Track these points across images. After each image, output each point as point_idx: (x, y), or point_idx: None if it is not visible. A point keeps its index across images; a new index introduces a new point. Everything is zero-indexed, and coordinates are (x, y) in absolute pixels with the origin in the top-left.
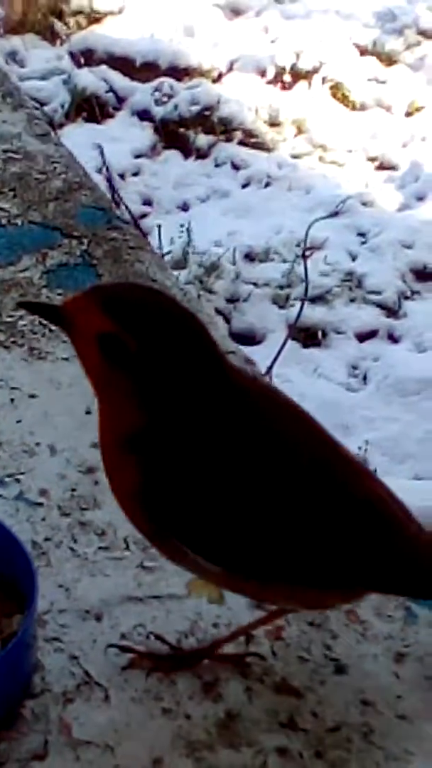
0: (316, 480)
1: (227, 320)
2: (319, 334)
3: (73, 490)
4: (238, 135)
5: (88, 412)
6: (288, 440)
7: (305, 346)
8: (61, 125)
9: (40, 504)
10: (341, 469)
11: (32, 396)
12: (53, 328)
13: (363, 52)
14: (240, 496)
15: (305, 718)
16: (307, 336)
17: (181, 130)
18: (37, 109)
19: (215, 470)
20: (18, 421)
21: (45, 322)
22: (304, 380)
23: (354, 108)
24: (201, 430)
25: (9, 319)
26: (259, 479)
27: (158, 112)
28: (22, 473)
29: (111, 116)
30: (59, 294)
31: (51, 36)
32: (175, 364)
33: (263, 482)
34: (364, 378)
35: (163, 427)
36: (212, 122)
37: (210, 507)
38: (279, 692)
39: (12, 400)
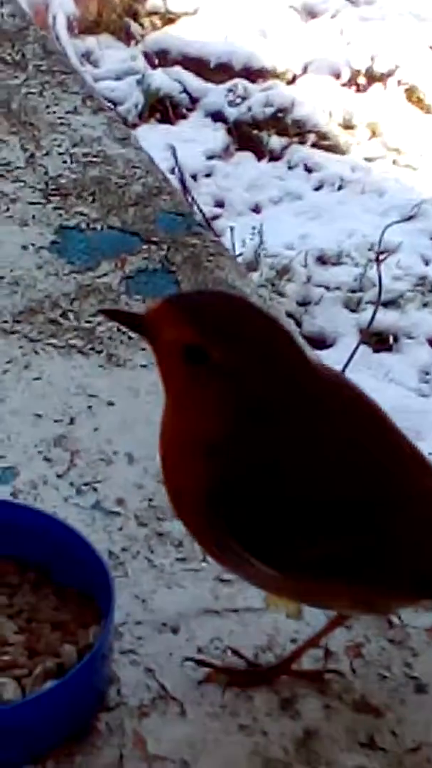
0: (388, 490)
1: (298, 324)
2: (391, 338)
3: (150, 499)
4: (312, 137)
5: None
6: (365, 447)
7: (376, 350)
8: (134, 125)
9: (117, 513)
10: (414, 478)
11: (110, 404)
12: (132, 335)
13: None
14: (313, 503)
15: (384, 737)
16: (378, 341)
17: (254, 131)
18: (110, 109)
19: (292, 476)
20: (95, 429)
21: (124, 329)
22: (375, 385)
23: (429, 111)
24: (280, 437)
25: (87, 325)
26: (334, 487)
27: (231, 113)
28: (99, 482)
29: (184, 117)
30: (137, 300)
31: (125, 36)
32: (259, 372)
33: (337, 491)
34: None
35: (243, 433)
36: (286, 124)
37: (282, 512)
38: (358, 710)
39: (90, 407)
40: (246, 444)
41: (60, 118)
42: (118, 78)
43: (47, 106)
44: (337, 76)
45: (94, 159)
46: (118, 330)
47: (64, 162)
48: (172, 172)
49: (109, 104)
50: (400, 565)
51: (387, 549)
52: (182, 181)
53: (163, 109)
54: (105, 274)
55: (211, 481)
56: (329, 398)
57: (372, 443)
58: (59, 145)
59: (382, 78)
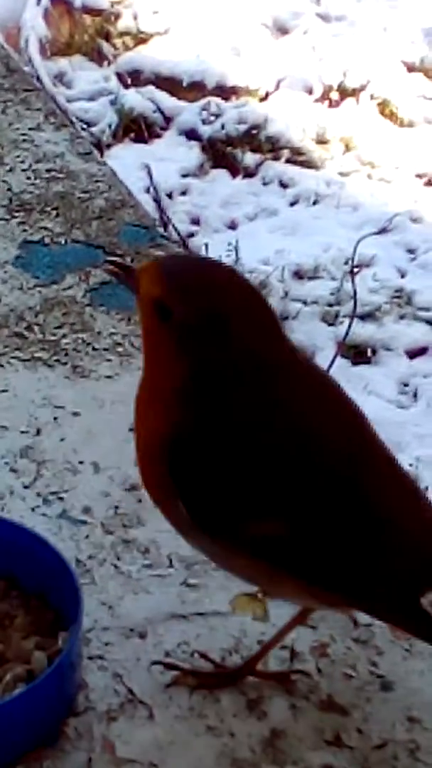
0: (338, 481)
1: None
2: (369, 351)
3: (117, 507)
4: (286, 153)
5: (131, 430)
6: (317, 432)
7: (355, 363)
8: (108, 146)
9: (84, 522)
10: (367, 478)
11: (75, 414)
12: (96, 346)
13: (410, 68)
14: (253, 473)
15: (351, 735)
16: (357, 353)
17: (229, 149)
18: (84, 129)
19: (238, 442)
20: (61, 440)
21: (88, 340)
22: (355, 398)
23: (402, 125)
24: (233, 400)
25: (52, 338)
26: (278, 461)
27: (205, 131)
28: (65, 491)
29: (158, 136)
30: (102, 311)
31: (98, 57)
32: (218, 335)
33: (281, 465)
34: (415, 395)
35: (197, 390)
36: (259, 141)
37: (224, 477)
38: (324, 709)
39: (55, 418)
40: (197, 403)
41: (23, 134)
42: (91, 99)
43: (10, 123)
44: (310, 91)
45: (58, 174)
46: (83, 342)
47: (28, 178)
48: (147, 191)
49: (81, 124)
50: (345, 566)
51: (328, 544)
52: (157, 200)
53: (137, 128)
54: (69, 287)
55: (164, 432)
56: (293, 372)
57: (335, 426)
58: (22, 162)
59: (355, 93)
